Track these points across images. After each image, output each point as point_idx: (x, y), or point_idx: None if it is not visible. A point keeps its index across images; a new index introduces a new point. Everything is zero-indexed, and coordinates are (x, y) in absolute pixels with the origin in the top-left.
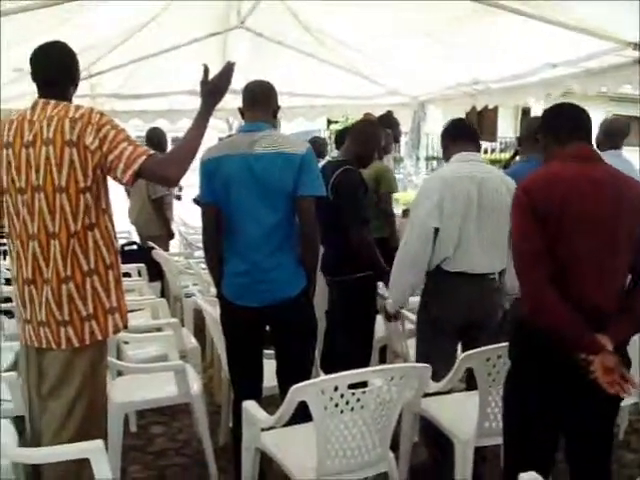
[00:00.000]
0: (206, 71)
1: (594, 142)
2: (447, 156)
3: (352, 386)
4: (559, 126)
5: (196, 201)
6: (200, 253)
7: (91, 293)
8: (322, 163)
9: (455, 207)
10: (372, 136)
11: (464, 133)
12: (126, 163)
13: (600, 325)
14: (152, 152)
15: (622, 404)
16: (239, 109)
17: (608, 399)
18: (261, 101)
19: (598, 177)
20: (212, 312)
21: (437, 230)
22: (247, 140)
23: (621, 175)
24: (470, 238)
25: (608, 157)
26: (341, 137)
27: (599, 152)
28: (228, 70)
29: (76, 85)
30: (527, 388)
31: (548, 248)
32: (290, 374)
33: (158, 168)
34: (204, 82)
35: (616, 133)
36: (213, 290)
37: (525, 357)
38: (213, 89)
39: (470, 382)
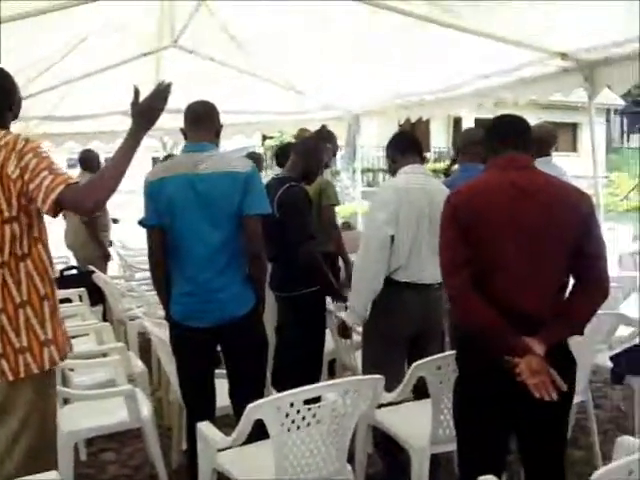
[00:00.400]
0: (136, 92)
1: None
2: (395, 169)
3: (307, 401)
4: (494, 137)
5: (141, 223)
6: (141, 275)
7: (24, 325)
8: (266, 179)
9: (410, 217)
10: (318, 152)
11: (412, 146)
12: (45, 192)
13: (531, 329)
14: (72, 181)
15: None
16: (181, 129)
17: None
18: (204, 121)
19: (524, 184)
20: (159, 334)
21: (392, 239)
22: (191, 160)
23: (557, 182)
24: (421, 249)
25: (538, 165)
26: (282, 153)
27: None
28: (161, 91)
29: (12, 110)
30: (475, 393)
31: (474, 255)
32: (243, 393)
33: (76, 197)
34: (134, 103)
35: (543, 140)
36: (159, 312)
37: (470, 362)
38: (144, 110)
39: (418, 391)
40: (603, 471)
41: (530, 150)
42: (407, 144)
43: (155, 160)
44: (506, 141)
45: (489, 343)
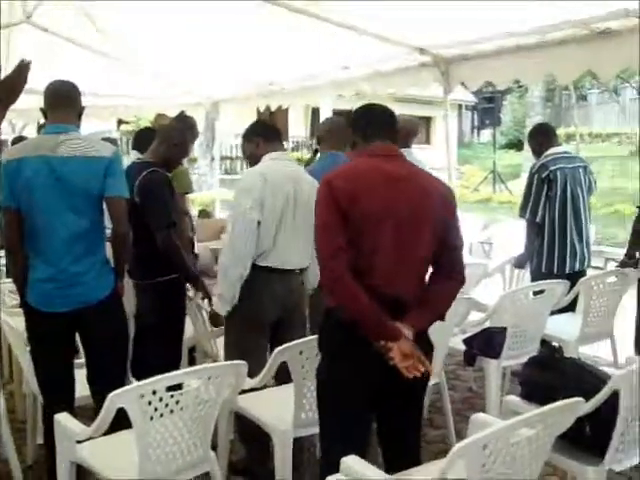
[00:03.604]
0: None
1: None
2: (257, 155)
3: (169, 389)
4: (365, 125)
5: None
6: None
7: None
8: (125, 162)
9: (274, 203)
10: (184, 140)
11: (275, 132)
12: None
13: (399, 313)
14: None
15: None
16: (41, 109)
17: (416, 379)
18: (65, 102)
19: (393, 172)
20: (12, 323)
21: (258, 224)
22: (51, 142)
23: (423, 173)
24: (286, 234)
25: None
26: (140, 137)
27: None
28: (23, 68)
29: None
30: (338, 376)
31: (350, 240)
32: (104, 381)
33: None
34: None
35: (407, 133)
36: (9, 300)
37: (334, 347)
38: (7, 88)
39: (280, 376)
40: (459, 446)
41: (396, 140)
42: (270, 130)
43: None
44: (375, 130)
45: (363, 328)
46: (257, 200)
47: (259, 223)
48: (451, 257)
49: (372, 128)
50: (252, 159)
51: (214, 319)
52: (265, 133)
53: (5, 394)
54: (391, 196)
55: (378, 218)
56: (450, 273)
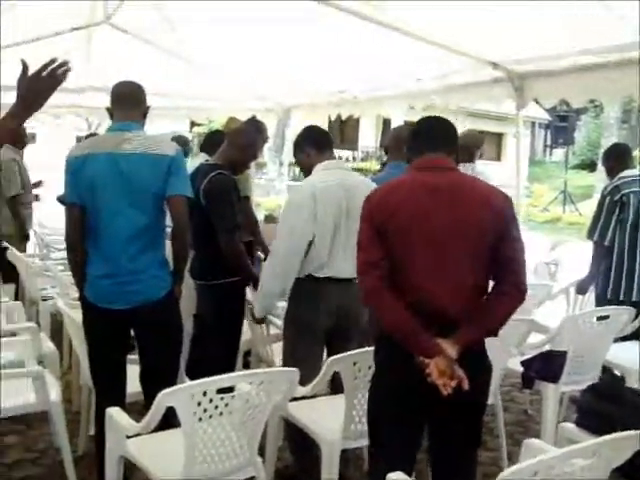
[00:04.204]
0: (24, 68)
1: None
2: (309, 165)
3: (220, 391)
4: (415, 140)
5: (60, 200)
6: (57, 255)
7: None
8: (191, 163)
9: (327, 216)
10: (252, 142)
11: (327, 140)
12: None
13: (445, 327)
14: None
15: None
16: (107, 109)
17: (469, 401)
18: (130, 101)
19: (437, 184)
20: (72, 315)
21: (310, 240)
22: (115, 139)
23: (477, 183)
24: (341, 244)
25: (462, 170)
26: (209, 140)
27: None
28: (52, 69)
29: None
30: (391, 388)
31: (388, 255)
32: (155, 379)
33: None
34: (22, 79)
35: (468, 146)
36: (73, 293)
37: (387, 361)
38: (31, 88)
39: (334, 386)
40: (509, 471)
41: (452, 151)
42: (321, 139)
43: (79, 139)
44: (425, 142)
45: (402, 343)
46: (308, 218)
47: (311, 240)
48: (508, 270)
49: (420, 141)
50: (305, 169)
51: (255, 320)
52: (316, 142)
53: (63, 384)
54: (429, 208)
55: (413, 232)
56: (507, 287)
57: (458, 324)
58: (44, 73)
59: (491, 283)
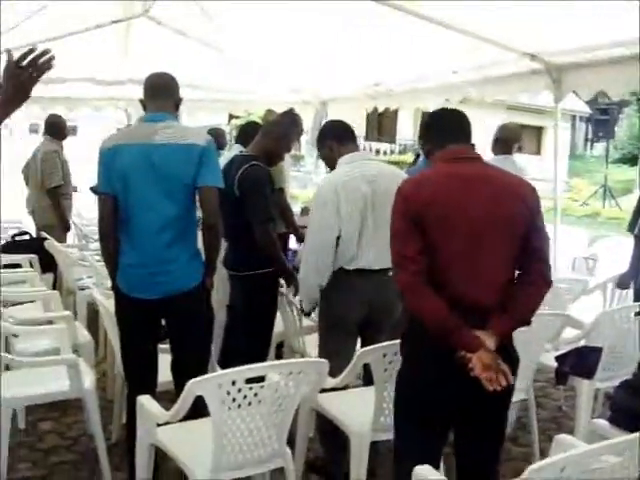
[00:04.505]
0: (10, 56)
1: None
2: (333, 159)
3: (250, 380)
4: (436, 130)
5: (93, 190)
6: (95, 245)
7: None
8: (227, 155)
9: (352, 209)
10: (286, 133)
11: (347, 133)
12: None
13: (482, 321)
14: None
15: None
16: (140, 100)
17: (497, 394)
18: (163, 92)
19: (467, 174)
20: (107, 305)
21: (338, 237)
22: (147, 130)
23: (504, 174)
24: (370, 236)
25: (498, 162)
26: (244, 131)
27: (493, 155)
28: (32, 58)
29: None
30: (417, 383)
31: (425, 248)
32: (186, 368)
33: None
34: (5, 70)
35: (506, 139)
36: (108, 283)
37: (415, 354)
38: (10, 79)
39: (366, 378)
40: (537, 466)
41: (470, 141)
42: (342, 131)
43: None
44: (446, 134)
45: (440, 337)
46: (333, 213)
47: (340, 232)
48: (533, 259)
49: (442, 132)
50: (328, 163)
51: (303, 313)
52: (337, 135)
53: (98, 373)
54: (465, 199)
55: (453, 223)
56: (532, 276)
57: (490, 316)
58: (24, 63)
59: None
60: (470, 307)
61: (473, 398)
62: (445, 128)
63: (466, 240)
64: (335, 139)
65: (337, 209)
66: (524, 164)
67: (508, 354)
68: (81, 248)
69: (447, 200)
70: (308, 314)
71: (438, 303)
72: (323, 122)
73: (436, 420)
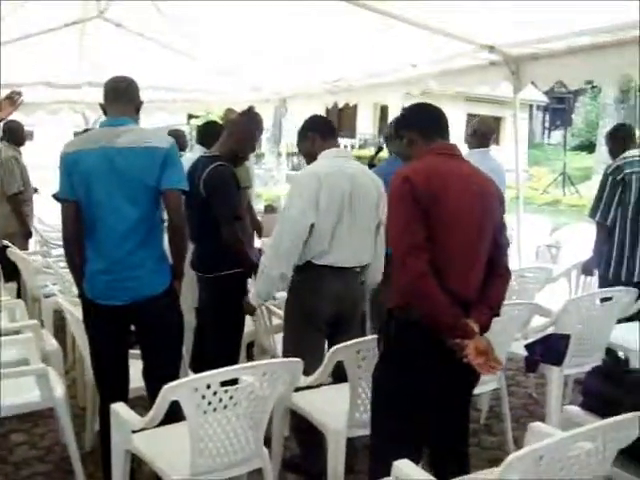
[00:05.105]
0: None
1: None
2: (313, 152)
3: (224, 383)
4: (425, 123)
5: (56, 197)
6: (58, 251)
7: None
8: (189, 156)
9: (330, 202)
10: (252, 135)
11: (330, 129)
12: None
13: (465, 312)
14: None
15: (483, 390)
16: (100, 105)
17: (468, 381)
18: (123, 96)
19: (465, 172)
20: (74, 312)
21: (312, 225)
22: (109, 134)
23: (480, 172)
24: (344, 233)
25: (476, 155)
26: (205, 132)
27: (469, 150)
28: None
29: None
30: (396, 375)
31: (428, 239)
32: (158, 373)
33: None
34: None
35: (484, 132)
36: (74, 289)
37: (402, 347)
38: None
39: (335, 375)
40: (515, 456)
41: (448, 139)
42: (326, 126)
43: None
44: (435, 128)
45: (439, 326)
46: (311, 202)
47: (312, 225)
48: (501, 254)
49: (432, 126)
50: (308, 156)
51: (247, 309)
52: (321, 129)
53: (67, 381)
54: (468, 196)
55: (460, 218)
56: (501, 270)
57: (471, 308)
58: None
59: None
60: (458, 299)
61: (453, 386)
62: (433, 122)
63: (465, 236)
64: (318, 133)
65: (316, 199)
66: (497, 157)
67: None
68: (44, 255)
69: (456, 197)
70: (254, 311)
71: (442, 293)
72: (283, 120)
73: (421, 412)
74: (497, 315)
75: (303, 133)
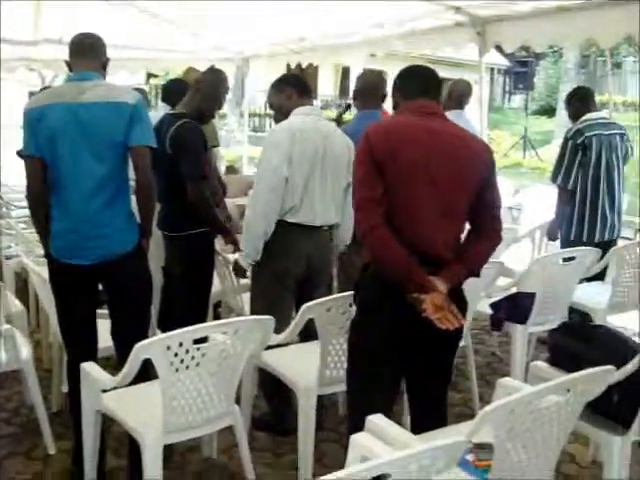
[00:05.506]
0: None
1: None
2: (288, 108)
3: (196, 342)
4: (408, 84)
5: (20, 154)
6: (19, 212)
7: None
8: (154, 115)
9: (303, 157)
10: (216, 91)
11: (307, 87)
12: None
13: (436, 269)
14: None
15: None
16: (65, 62)
17: (448, 335)
18: (89, 52)
19: (435, 128)
20: (40, 273)
21: (286, 179)
22: (75, 89)
23: (463, 131)
24: (314, 190)
25: (450, 117)
26: (169, 89)
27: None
28: None
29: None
30: (372, 330)
31: (388, 194)
32: (127, 333)
33: None
34: None
35: (460, 94)
36: (37, 250)
37: (369, 300)
38: None
39: (303, 333)
40: (489, 408)
41: (438, 99)
42: (303, 84)
43: (32, 94)
44: (416, 88)
45: (395, 279)
46: (285, 156)
47: (287, 180)
48: (490, 216)
49: (413, 86)
50: (281, 112)
51: (237, 271)
52: (299, 86)
53: (32, 342)
54: (430, 150)
55: (417, 172)
56: (488, 232)
57: (445, 265)
58: None
59: None
60: (426, 254)
61: (425, 339)
62: (415, 82)
63: (428, 190)
64: (296, 88)
65: (289, 153)
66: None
67: (460, 298)
68: (3, 216)
69: (414, 152)
70: (244, 273)
71: (398, 246)
72: (245, 80)
73: (390, 366)
74: (476, 275)
75: (279, 86)
